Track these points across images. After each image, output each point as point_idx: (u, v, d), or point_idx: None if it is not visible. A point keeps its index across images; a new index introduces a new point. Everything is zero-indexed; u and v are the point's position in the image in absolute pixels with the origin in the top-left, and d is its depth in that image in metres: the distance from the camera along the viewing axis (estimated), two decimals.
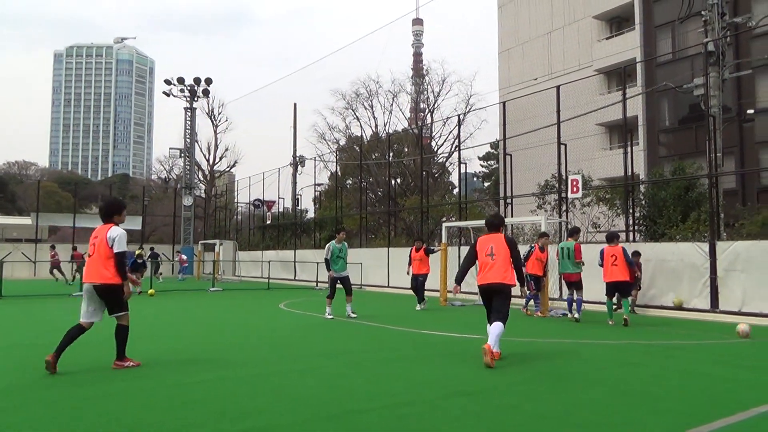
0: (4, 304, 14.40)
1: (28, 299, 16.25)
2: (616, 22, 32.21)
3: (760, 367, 6.62)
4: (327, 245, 11.54)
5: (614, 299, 10.87)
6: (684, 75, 21.09)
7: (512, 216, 19.33)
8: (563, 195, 16.62)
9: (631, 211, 15.90)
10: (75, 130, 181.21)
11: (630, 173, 16.24)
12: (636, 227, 16.20)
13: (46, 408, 4.54)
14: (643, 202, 16.58)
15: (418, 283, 13.96)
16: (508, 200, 19.72)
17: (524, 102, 21.34)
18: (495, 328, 6.45)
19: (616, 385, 5.46)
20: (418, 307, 13.62)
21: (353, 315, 11.36)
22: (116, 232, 6.07)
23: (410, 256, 14.43)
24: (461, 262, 7.28)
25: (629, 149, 16.24)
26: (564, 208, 16.84)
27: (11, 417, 4.29)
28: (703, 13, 15.23)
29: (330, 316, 11.07)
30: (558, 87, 17.39)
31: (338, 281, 11.45)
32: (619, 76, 27.93)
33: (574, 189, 15.51)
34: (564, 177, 16.65)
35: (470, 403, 4.69)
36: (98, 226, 6.29)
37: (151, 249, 26.10)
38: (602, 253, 10.59)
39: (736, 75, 17.66)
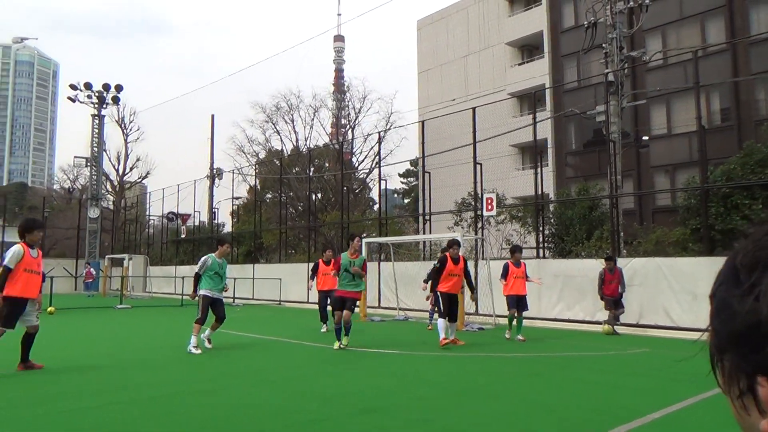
0: None
1: None
2: (527, 49, 33.99)
3: (653, 375, 7.12)
4: (203, 258, 9.20)
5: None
6: (588, 102, 22.55)
7: (431, 232, 19.77)
8: (479, 212, 17.21)
9: (541, 228, 16.72)
10: None
11: (540, 193, 17.11)
12: (545, 244, 17.04)
13: None
14: (552, 220, 17.48)
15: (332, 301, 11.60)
16: (427, 217, 20.16)
17: (442, 122, 21.98)
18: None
19: (520, 397, 5.68)
20: (323, 329, 11.80)
21: (209, 345, 9.04)
22: (10, 250, 6.75)
23: (316, 269, 12.57)
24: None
25: (539, 170, 17.12)
26: (480, 225, 17.44)
27: None
28: (604, 45, 16.40)
29: (196, 349, 8.51)
30: (474, 109, 18.08)
31: (210, 304, 9.01)
32: (530, 100, 29.43)
33: (489, 207, 16.11)
34: (480, 195, 17.27)
35: (382, 419, 4.72)
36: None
37: None
38: (506, 266, 10.83)
39: (633, 104, 19.08)
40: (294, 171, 36.98)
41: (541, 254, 16.37)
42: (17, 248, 6.74)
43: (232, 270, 25.72)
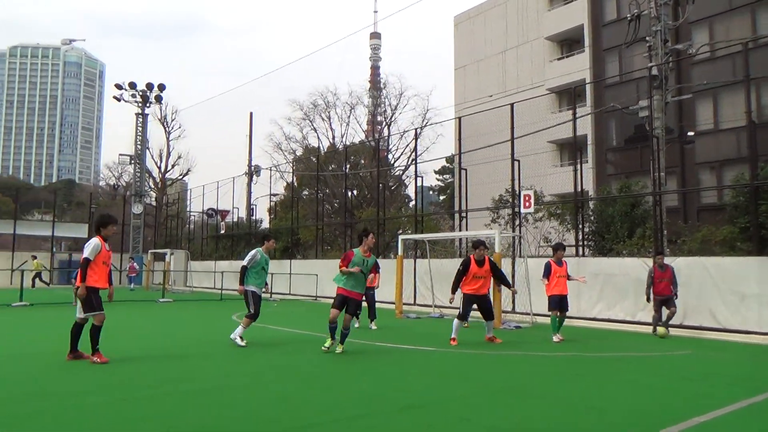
0: None
1: None
2: (567, 43, 33.36)
3: (698, 378, 6.91)
4: (252, 252, 9.12)
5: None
6: (630, 97, 21.98)
7: (467, 230, 19.62)
8: (516, 210, 17.00)
9: (580, 226, 16.39)
10: (17, 133, 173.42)
11: (579, 190, 16.76)
12: (585, 242, 16.70)
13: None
14: (592, 218, 17.13)
15: (368, 298, 11.63)
16: (463, 214, 20.02)
17: (479, 118, 21.77)
18: None
19: (562, 397, 5.59)
20: (356, 325, 11.48)
21: (242, 343, 8.72)
22: (87, 244, 7.19)
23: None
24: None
25: (579, 167, 16.78)
26: (517, 222, 17.22)
27: None
28: (647, 38, 15.94)
29: (242, 341, 8.68)
30: (512, 105, 17.85)
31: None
32: (569, 95, 28.89)
33: (527, 204, 15.89)
34: (517, 192, 17.05)
35: (422, 416, 4.71)
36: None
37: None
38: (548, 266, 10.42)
39: (677, 99, 18.52)
40: (330, 168, 37.24)
41: (581, 252, 16.06)
42: (96, 241, 7.13)
43: (270, 266, 26.14)
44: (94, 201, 43.78)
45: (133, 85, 35.04)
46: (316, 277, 22.71)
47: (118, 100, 35.37)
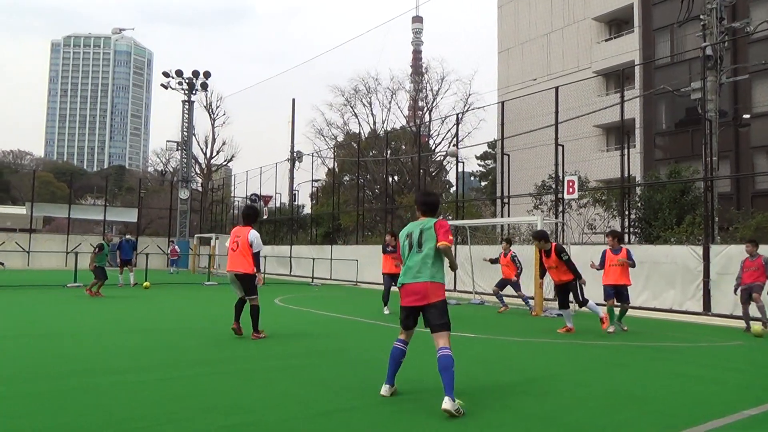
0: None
1: (23, 289, 16.20)
2: (615, 24, 32.26)
3: (749, 370, 6.67)
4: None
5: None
6: (682, 78, 21.12)
7: (509, 216, 19.38)
8: (559, 196, 16.67)
9: (626, 213, 15.96)
10: (71, 121, 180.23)
11: (626, 175, 16.29)
12: (631, 229, 16.26)
13: (32, 399, 4.54)
14: (639, 204, 16.64)
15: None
16: (505, 200, 19.76)
17: (523, 102, 21.36)
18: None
19: (604, 387, 5.49)
20: (386, 311, 11.65)
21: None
22: (255, 236, 7.75)
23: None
24: None
25: (626, 151, 16.29)
26: (560, 208, 16.89)
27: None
28: (701, 17, 15.26)
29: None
30: (557, 88, 17.43)
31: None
32: (617, 78, 27.98)
33: (570, 190, 15.56)
34: (561, 178, 16.70)
35: (464, 402, 4.70)
36: (238, 227, 8.03)
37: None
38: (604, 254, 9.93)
39: (733, 80, 17.70)
40: (371, 154, 37.30)
41: (627, 240, 15.65)
42: (257, 233, 7.91)
43: (312, 251, 26.49)
44: (143, 186, 45.21)
45: (179, 73, 35.82)
46: (356, 263, 22.88)
47: (166, 87, 36.24)
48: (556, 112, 17.15)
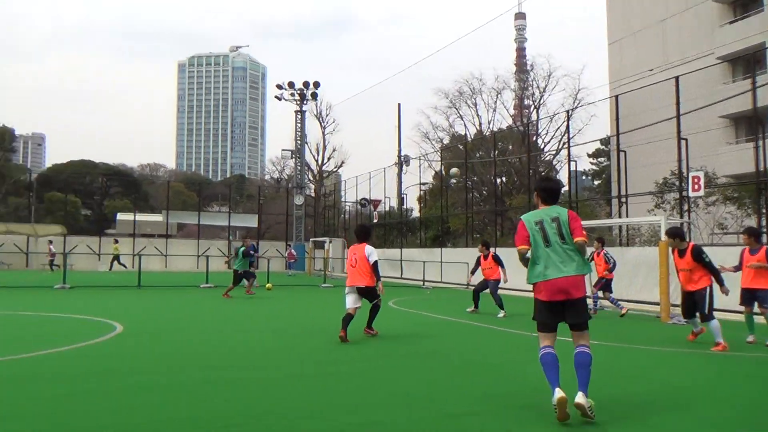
0: (144, 294, 16.02)
1: (163, 289, 17.94)
2: (740, 4, 29.52)
3: None
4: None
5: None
6: None
7: (627, 216, 18.45)
8: (684, 193, 15.62)
9: (764, 211, 14.63)
10: (197, 134, 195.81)
11: (762, 169, 14.94)
12: None
13: (179, 390, 5.09)
14: None
15: (490, 287, 12.59)
16: (623, 199, 18.83)
17: (638, 95, 20.24)
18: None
19: (751, 402, 5.13)
20: (468, 309, 12.70)
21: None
22: (370, 250, 8.52)
23: (477, 263, 13.04)
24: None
25: (761, 142, 14.94)
26: (686, 207, 15.82)
27: (150, 396, 4.88)
28: None
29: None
30: (677, 77, 16.37)
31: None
32: (746, 63, 25.63)
33: (696, 187, 14.53)
34: (684, 174, 15.65)
35: (600, 415, 4.64)
36: (354, 245, 8.76)
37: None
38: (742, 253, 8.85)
39: None
40: (478, 155, 36.98)
41: (766, 240, 14.32)
42: (372, 247, 8.62)
43: (422, 254, 26.79)
44: (261, 194, 48.07)
45: (291, 85, 37.75)
46: (466, 266, 22.81)
47: (279, 99, 38.34)
48: (677, 104, 16.09)
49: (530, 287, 4.60)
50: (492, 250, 13.42)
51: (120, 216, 44.97)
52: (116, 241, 32.45)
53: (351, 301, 8.43)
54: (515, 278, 14.03)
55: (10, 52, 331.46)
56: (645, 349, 8.13)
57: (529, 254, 4.54)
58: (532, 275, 4.51)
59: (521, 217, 4.71)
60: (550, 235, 4.46)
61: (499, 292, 12.52)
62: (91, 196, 56.80)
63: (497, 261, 12.72)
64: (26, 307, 11.87)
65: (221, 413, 4.39)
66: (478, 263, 13.01)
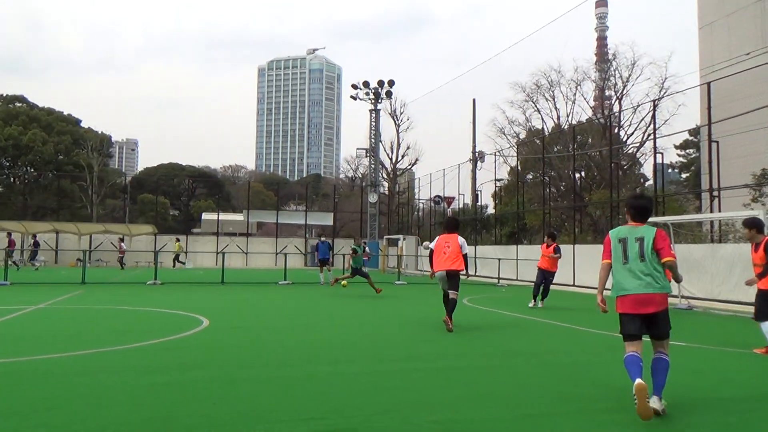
0: (227, 290, 16.73)
1: (244, 286, 18.66)
2: None
3: None
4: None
5: None
6: None
7: (719, 210, 17.27)
8: None
9: None
10: (276, 136, 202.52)
11: None
12: None
13: (261, 384, 5.26)
14: None
15: (545, 281, 13.53)
16: (714, 193, 17.65)
17: (732, 81, 18.91)
18: None
19: None
20: (530, 304, 13.40)
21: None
22: (463, 241, 9.35)
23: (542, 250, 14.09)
24: None
25: None
26: None
27: (240, 388, 5.06)
28: None
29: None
30: None
31: None
32: None
33: None
34: None
35: (678, 419, 4.39)
36: (445, 234, 9.52)
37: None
38: None
39: None
40: (555, 149, 35.85)
41: None
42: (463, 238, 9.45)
43: (496, 251, 26.33)
44: (336, 192, 48.97)
45: (366, 84, 38.13)
46: None
47: (354, 99, 38.84)
48: None
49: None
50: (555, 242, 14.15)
51: (205, 216, 47.26)
52: (178, 240, 34.05)
53: (443, 285, 9.35)
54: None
55: (106, 65, 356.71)
56: (738, 352, 7.57)
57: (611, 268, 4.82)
58: (613, 289, 4.75)
59: (609, 232, 4.99)
60: (633, 253, 4.65)
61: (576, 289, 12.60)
62: (178, 197, 60.06)
63: (556, 252, 13.60)
64: (123, 302, 12.70)
65: (301, 406, 4.50)
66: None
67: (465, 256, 9.24)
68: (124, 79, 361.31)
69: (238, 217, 43.56)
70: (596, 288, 4.90)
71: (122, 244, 31.50)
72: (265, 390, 5.02)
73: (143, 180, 59.34)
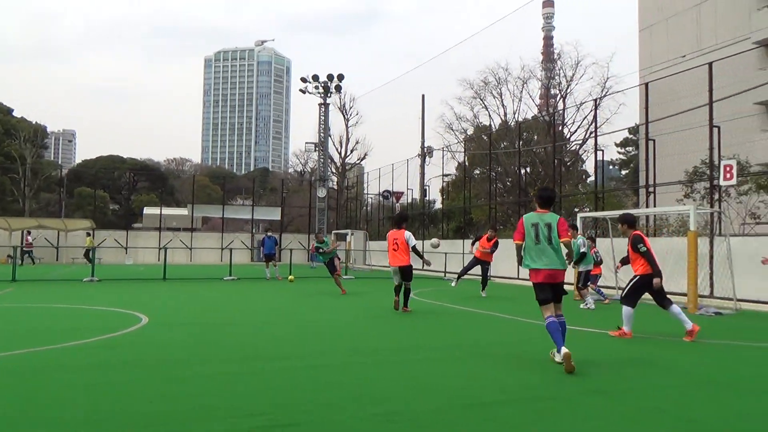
0: (169, 286, 16.24)
1: (188, 282, 18.16)
2: None
3: None
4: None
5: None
6: None
7: (654, 206, 18.04)
8: (715, 182, 15.19)
9: None
10: (222, 128, 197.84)
11: None
12: None
13: (207, 381, 5.11)
14: None
15: (483, 270, 14.47)
16: (650, 189, 18.42)
17: (669, 82, 19.73)
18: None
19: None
20: (453, 284, 14.92)
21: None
22: (409, 235, 10.37)
23: (476, 240, 15.02)
24: None
25: None
26: (716, 196, 15.40)
27: (180, 385, 4.90)
28: None
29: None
30: (710, 64, 15.89)
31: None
32: None
33: (728, 176, 14.10)
34: (716, 163, 15.21)
35: (611, 403, 4.54)
36: (394, 230, 10.61)
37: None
38: None
39: None
40: (502, 146, 36.56)
41: None
42: (410, 232, 10.51)
43: (444, 245, 26.63)
44: (285, 187, 48.36)
45: (315, 78, 37.76)
46: None
47: (303, 92, 38.39)
48: (710, 91, 15.62)
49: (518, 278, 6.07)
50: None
51: (146, 210, 45.73)
52: (89, 234, 32.49)
53: (397, 279, 10.41)
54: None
55: (43, 53, 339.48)
56: (674, 341, 7.92)
57: (523, 247, 6.02)
58: (525, 263, 5.97)
59: (523, 216, 6.14)
60: (542, 237, 5.87)
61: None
62: (119, 191, 57.86)
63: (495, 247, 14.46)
64: (57, 300, 12.11)
65: (244, 402, 4.39)
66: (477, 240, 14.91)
67: (414, 249, 10.12)
68: (61, 68, 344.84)
69: (183, 211, 42.39)
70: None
71: (29, 237, 30.17)
72: (205, 387, 4.88)
73: (81, 173, 56.86)
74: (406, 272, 10.28)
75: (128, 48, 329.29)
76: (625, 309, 7.85)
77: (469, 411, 4.25)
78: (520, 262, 6.06)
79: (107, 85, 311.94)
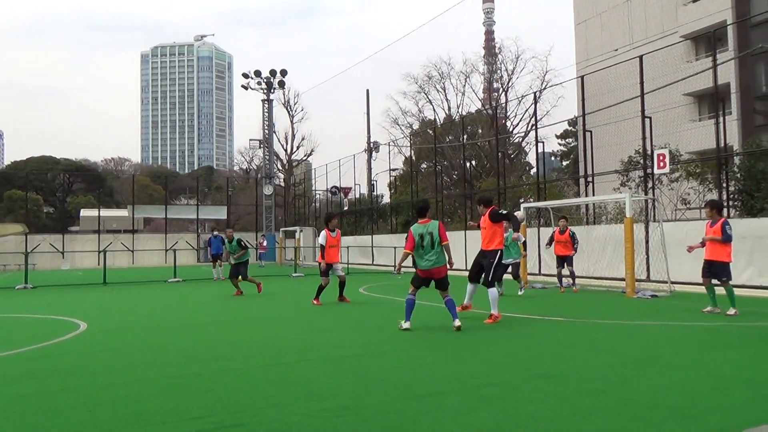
0: (109, 291, 15.63)
1: (129, 285, 17.54)
2: None
3: None
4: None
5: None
6: None
7: (593, 194, 18.69)
8: (648, 171, 15.87)
9: (725, 185, 14.96)
10: (163, 126, 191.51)
11: (723, 145, 15.26)
12: (731, 202, 15.22)
13: (149, 385, 4.96)
14: (739, 175, 15.54)
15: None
16: (589, 179, 19.07)
17: (604, 75, 20.43)
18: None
19: (707, 369, 5.23)
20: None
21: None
22: (321, 234, 11.47)
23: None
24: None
25: (721, 119, 15.24)
26: (650, 184, 16.09)
27: (120, 392, 4.72)
28: None
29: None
30: (641, 57, 16.56)
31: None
32: (708, 40, 26.12)
33: (661, 164, 14.77)
34: (649, 152, 15.89)
35: (553, 387, 4.67)
36: (327, 230, 11.47)
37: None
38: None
39: None
40: (447, 140, 37.05)
41: (727, 213, 14.67)
42: (324, 233, 11.32)
43: (392, 239, 26.78)
44: (230, 185, 47.39)
45: (258, 74, 37.14)
46: None
47: (246, 88, 37.70)
48: (641, 83, 16.29)
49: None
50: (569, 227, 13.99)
51: (83, 212, 43.89)
52: None
53: (338, 273, 11.72)
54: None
55: None
56: (613, 323, 8.23)
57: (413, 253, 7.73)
58: (418, 264, 7.70)
59: (411, 228, 7.68)
60: (427, 244, 7.52)
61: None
62: (53, 193, 55.17)
63: (573, 238, 13.45)
64: None
65: (187, 406, 4.27)
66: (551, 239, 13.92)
67: (321, 248, 11.54)
68: None
69: (122, 212, 40.92)
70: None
71: None
72: (147, 392, 4.72)
73: (10, 175, 53.88)
74: (338, 267, 11.87)
75: (57, 43, 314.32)
76: (492, 291, 8.55)
77: (416, 402, 4.28)
78: (399, 264, 8.09)
79: (36, 82, 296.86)
